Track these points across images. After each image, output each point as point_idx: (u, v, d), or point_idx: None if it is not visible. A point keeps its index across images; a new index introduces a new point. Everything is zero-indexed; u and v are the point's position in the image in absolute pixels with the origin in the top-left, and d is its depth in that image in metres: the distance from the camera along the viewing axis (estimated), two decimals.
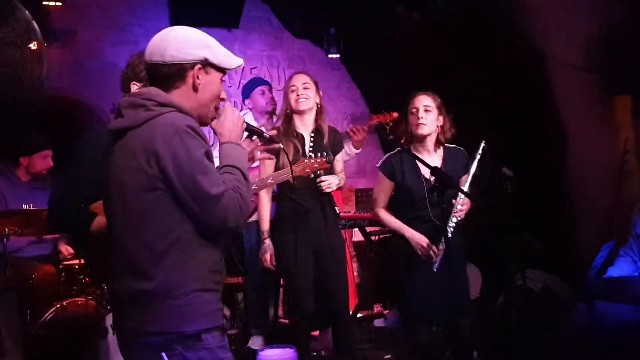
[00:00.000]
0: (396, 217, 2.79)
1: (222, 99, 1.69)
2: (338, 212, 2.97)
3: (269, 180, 2.70)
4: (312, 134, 2.94)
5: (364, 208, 4.32)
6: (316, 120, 2.95)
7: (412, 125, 2.73)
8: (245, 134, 1.75)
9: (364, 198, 4.53)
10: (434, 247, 2.61)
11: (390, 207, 2.89)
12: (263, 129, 1.91)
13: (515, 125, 3.89)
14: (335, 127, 3.15)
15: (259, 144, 1.80)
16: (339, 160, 3.00)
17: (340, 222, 3.11)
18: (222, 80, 1.66)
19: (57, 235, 3.41)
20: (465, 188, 2.65)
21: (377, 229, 4.26)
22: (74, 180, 2.29)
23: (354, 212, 4.28)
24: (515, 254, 2.70)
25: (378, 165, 2.84)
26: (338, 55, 5.21)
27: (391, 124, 3.44)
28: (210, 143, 5.46)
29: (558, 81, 3.90)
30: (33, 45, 2.08)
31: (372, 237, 4.33)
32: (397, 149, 2.81)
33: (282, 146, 1.87)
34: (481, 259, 3.99)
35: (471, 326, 2.75)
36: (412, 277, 2.67)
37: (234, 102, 5.08)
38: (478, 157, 2.68)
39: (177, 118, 1.50)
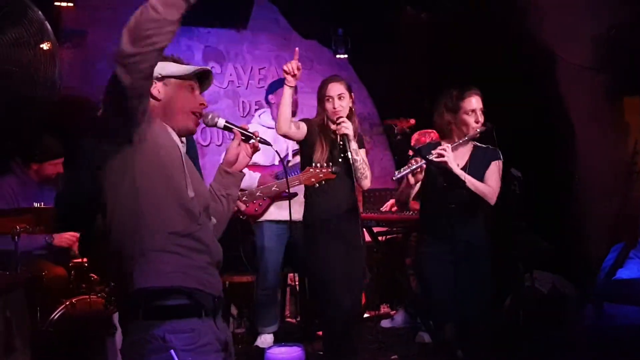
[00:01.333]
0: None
1: (202, 104, 1.74)
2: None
3: (273, 188, 2.90)
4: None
5: (371, 208, 4.32)
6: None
7: (468, 126, 2.75)
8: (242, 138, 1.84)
9: (371, 198, 4.53)
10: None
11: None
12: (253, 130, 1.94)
13: (524, 126, 3.88)
14: None
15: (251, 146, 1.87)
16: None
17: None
18: (191, 88, 1.72)
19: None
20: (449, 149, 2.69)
21: (384, 229, 4.25)
22: (81, 178, 2.32)
23: (361, 213, 4.28)
24: (523, 255, 2.70)
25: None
26: (346, 56, 5.22)
27: (408, 130, 3.46)
28: (210, 142, 5.40)
29: (567, 81, 3.89)
30: (46, 46, 2.11)
31: (379, 238, 4.33)
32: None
33: (274, 147, 1.90)
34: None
35: (484, 331, 2.75)
36: (436, 272, 2.68)
37: (242, 102, 5.10)
38: (478, 132, 2.71)
39: None
